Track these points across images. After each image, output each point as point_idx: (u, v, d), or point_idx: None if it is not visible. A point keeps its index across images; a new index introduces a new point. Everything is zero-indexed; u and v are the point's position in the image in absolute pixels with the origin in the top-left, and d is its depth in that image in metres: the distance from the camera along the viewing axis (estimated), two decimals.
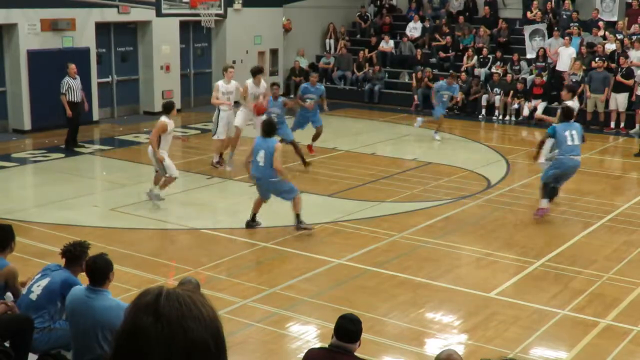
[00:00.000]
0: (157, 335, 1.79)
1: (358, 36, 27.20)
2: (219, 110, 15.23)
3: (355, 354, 5.19)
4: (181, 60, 22.35)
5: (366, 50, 25.40)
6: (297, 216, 11.15)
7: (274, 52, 25.18)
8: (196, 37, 23.11)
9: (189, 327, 1.81)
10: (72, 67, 16.84)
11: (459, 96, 19.78)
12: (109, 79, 20.90)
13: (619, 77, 19.65)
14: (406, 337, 8.06)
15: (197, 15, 17.98)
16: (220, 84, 15.38)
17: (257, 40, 24.34)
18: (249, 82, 15.40)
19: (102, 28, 20.17)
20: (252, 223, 11.39)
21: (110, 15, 20.04)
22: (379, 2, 28.14)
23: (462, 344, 7.77)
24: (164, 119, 12.37)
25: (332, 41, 26.63)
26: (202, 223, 11.84)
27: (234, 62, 21.50)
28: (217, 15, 22.40)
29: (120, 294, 7.76)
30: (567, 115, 12.04)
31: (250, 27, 23.80)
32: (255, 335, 8.01)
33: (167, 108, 12.67)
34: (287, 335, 8.09)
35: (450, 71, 21.18)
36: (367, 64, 25.06)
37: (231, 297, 8.76)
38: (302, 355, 5.70)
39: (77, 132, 17.11)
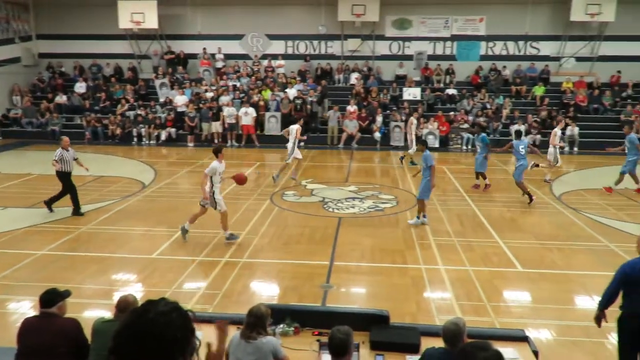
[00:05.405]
0: None
1: (39, 93, 32.76)
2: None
3: None
4: None
5: (46, 102, 30.62)
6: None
7: None
8: None
9: None
10: (66, 139, 15.68)
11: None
12: None
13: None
14: None
15: None
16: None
17: None
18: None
19: None
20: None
21: None
22: (52, 69, 34.17)
23: None
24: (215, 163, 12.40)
25: (18, 97, 31.88)
26: None
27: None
28: None
29: None
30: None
31: None
32: None
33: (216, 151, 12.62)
34: None
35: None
36: (48, 113, 30.21)
37: None
38: None
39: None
